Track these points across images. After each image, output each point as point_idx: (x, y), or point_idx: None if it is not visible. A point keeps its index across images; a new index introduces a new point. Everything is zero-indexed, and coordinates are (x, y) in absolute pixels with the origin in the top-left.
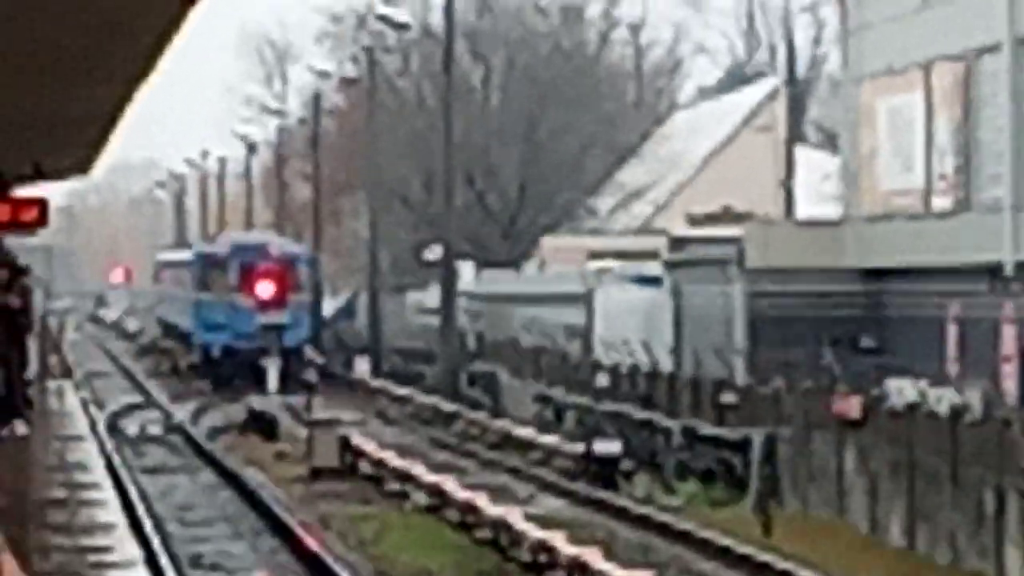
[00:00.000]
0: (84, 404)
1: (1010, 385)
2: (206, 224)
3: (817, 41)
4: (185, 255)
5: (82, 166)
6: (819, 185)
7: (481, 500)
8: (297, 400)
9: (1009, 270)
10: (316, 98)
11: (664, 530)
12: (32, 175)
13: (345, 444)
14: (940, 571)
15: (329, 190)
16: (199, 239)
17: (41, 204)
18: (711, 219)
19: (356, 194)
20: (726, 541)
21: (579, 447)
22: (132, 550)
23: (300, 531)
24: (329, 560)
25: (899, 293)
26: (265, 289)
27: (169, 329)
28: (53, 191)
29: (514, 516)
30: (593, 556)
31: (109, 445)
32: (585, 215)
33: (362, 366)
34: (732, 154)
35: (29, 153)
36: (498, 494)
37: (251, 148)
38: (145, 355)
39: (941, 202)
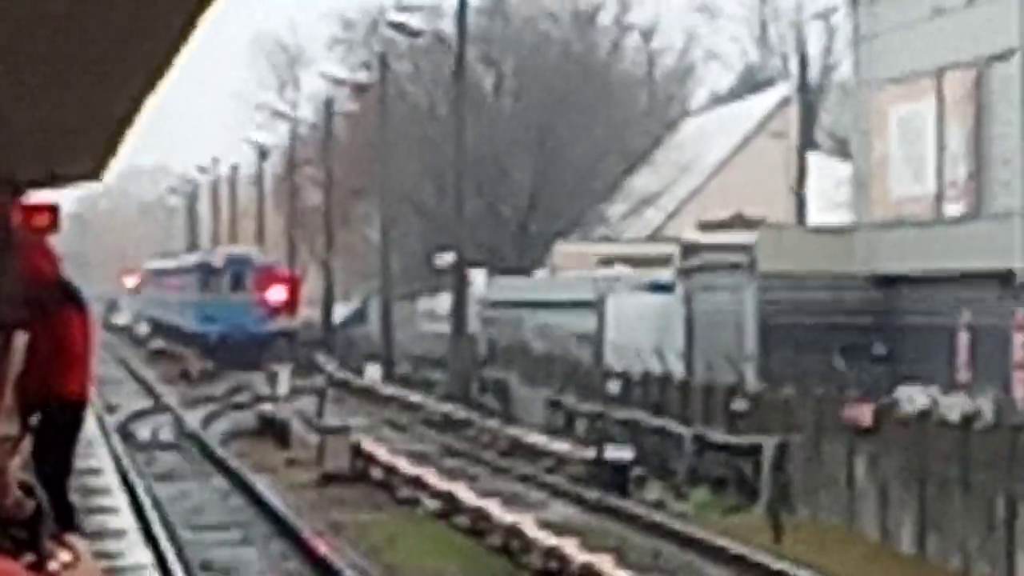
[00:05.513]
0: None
1: (1021, 392)
2: (218, 229)
3: (829, 48)
4: (176, 263)
5: (95, 171)
6: (831, 192)
7: (492, 506)
8: (308, 406)
9: (1021, 277)
10: (328, 104)
11: (676, 537)
12: (44, 181)
13: (356, 450)
14: None
15: (341, 196)
16: (180, 252)
17: (53, 210)
18: (723, 225)
19: (368, 200)
20: (737, 548)
21: (590, 453)
22: (143, 555)
23: (310, 537)
24: (340, 566)
25: (910, 300)
26: (277, 294)
27: (160, 328)
28: (64, 197)
29: (525, 522)
30: (605, 563)
31: (120, 449)
32: (597, 222)
33: (374, 372)
34: (744, 160)
35: (41, 159)
36: (509, 500)
37: (263, 154)
38: (155, 359)
39: (953, 209)
